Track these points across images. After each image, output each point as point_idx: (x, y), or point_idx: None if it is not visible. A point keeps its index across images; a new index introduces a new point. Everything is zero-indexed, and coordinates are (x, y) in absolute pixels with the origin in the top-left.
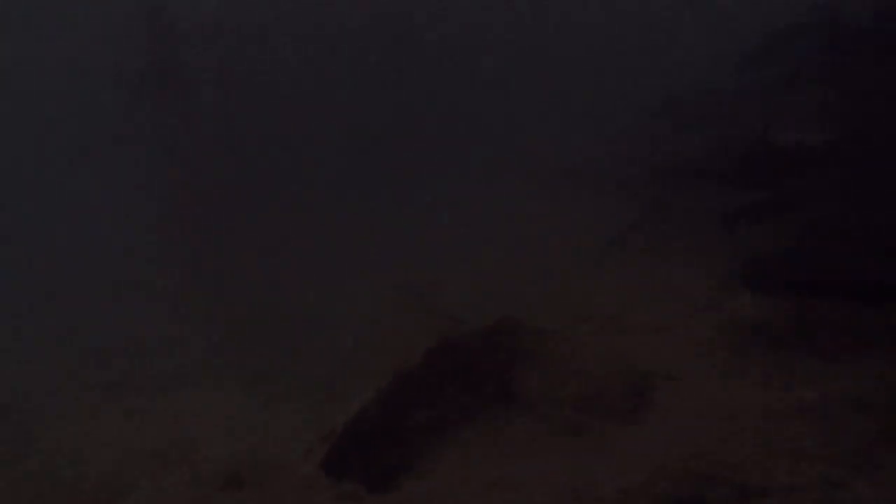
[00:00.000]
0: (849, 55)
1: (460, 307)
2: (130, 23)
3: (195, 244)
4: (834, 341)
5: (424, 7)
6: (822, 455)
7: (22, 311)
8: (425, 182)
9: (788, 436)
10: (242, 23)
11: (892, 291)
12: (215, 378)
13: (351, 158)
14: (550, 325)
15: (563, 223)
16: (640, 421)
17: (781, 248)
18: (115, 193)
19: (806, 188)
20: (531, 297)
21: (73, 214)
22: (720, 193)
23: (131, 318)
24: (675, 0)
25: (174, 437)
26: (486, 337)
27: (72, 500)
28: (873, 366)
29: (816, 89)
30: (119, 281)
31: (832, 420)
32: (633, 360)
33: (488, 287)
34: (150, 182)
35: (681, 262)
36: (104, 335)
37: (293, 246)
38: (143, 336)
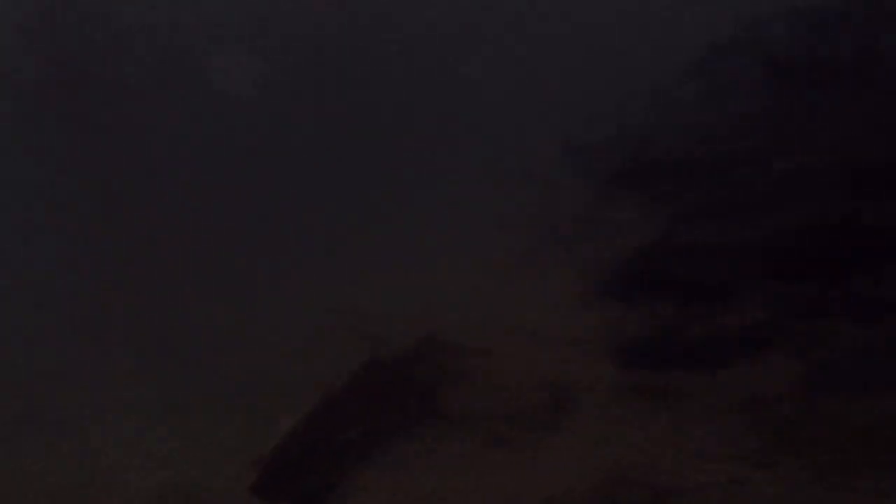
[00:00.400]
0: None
1: (388, 326)
2: (30, 27)
3: (111, 266)
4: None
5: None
6: (726, 455)
7: None
8: (357, 198)
9: (695, 439)
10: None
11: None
12: (140, 407)
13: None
14: (475, 340)
15: (488, 238)
16: (560, 430)
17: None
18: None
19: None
20: (457, 313)
21: None
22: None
23: (46, 346)
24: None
25: (99, 470)
26: (412, 355)
27: None
28: (762, 371)
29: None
30: (30, 306)
31: (733, 423)
32: (553, 373)
33: (416, 304)
34: (55, 201)
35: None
36: (17, 366)
37: (217, 265)
38: (61, 366)
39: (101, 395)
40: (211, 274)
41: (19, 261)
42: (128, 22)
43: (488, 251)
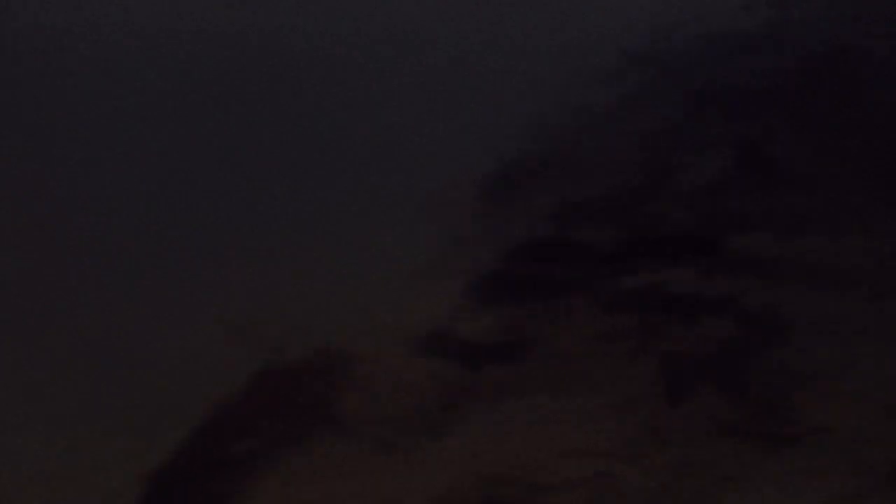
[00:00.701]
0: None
1: (279, 334)
2: None
3: None
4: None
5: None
6: (600, 451)
7: None
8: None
9: (573, 437)
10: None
11: None
12: (22, 423)
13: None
14: (367, 347)
15: (393, 242)
16: (453, 434)
17: None
18: None
19: None
20: (353, 319)
21: None
22: None
23: None
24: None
25: None
26: (305, 364)
27: None
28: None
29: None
30: None
31: (612, 420)
32: (447, 379)
33: (313, 311)
34: None
35: None
36: None
37: (104, 268)
38: None
39: None
40: (97, 277)
41: None
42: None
43: (382, 258)
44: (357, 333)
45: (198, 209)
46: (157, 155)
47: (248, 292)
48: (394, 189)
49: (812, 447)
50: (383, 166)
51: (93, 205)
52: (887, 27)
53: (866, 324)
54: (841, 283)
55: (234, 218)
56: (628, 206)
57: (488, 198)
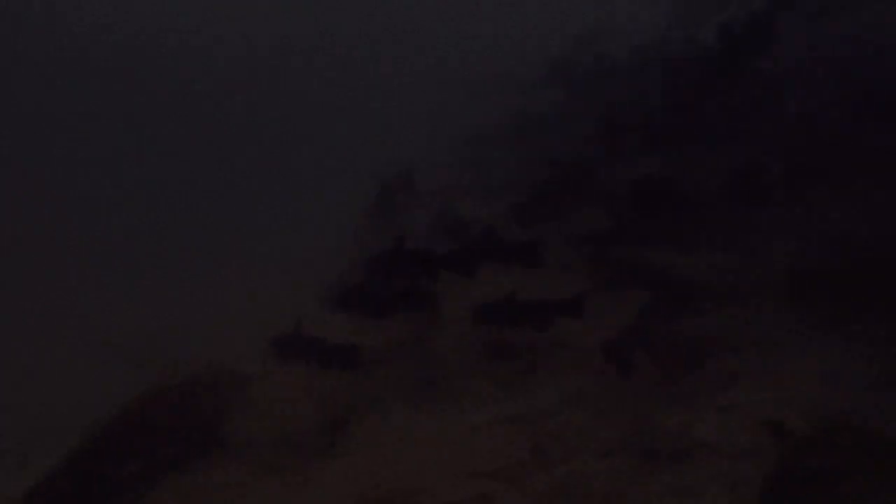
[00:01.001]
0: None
1: (172, 353)
2: None
3: None
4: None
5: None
6: (483, 472)
7: None
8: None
9: (458, 458)
10: None
11: None
12: None
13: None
14: (256, 365)
15: (271, 260)
16: (337, 454)
17: None
18: None
19: None
20: (237, 338)
21: None
22: None
23: None
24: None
25: None
26: (193, 384)
27: None
28: (523, 387)
29: None
30: None
31: (496, 439)
32: (333, 396)
33: (202, 330)
34: None
35: None
36: None
37: None
38: None
39: None
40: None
41: None
42: None
43: (272, 272)
44: (249, 351)
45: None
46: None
47: (136, 312)
48: (289, 208)
49: (690, 464)
50: (286, 183)
51: None
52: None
53: (742, 341)
54: (719, 299)
55: (117, 237)
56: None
57: (374, 212)
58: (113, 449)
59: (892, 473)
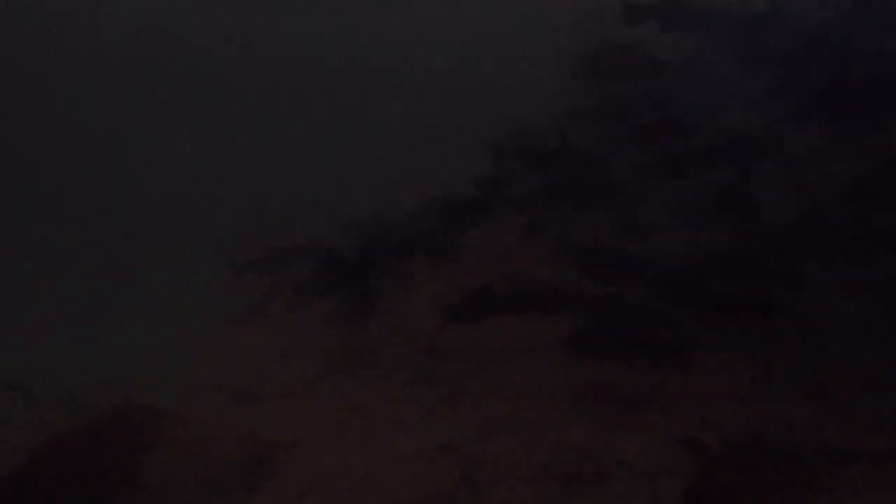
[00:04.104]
0: None
1: (82, 391)
2: None
3: None
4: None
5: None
6: (412, 501)
7: None
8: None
9: (385, 489)
10: None
11: None
12: None
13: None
14: (175, 402)
15: (190, 293)
16: (261, 493)
17: None
18: None
19: None
20: (156, 374)
21: None
22: None
23: None
24: None
25: None
26: (108, 424)
27: None
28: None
29: None
30: None
31: (421, 468)
32: (257, 432)
33: (111, 366)
34: None
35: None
36: None
37: None
38: None
39: None
40: None
41: None
42: None
43: (190, 308)
44: (168, 387)
45: None
46: None
47: (44, 344)
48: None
49: (613, 483)
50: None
51: None
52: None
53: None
54: None
55: (28, 261)
56: None
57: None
58: (28, 489)
59: (799, 488)
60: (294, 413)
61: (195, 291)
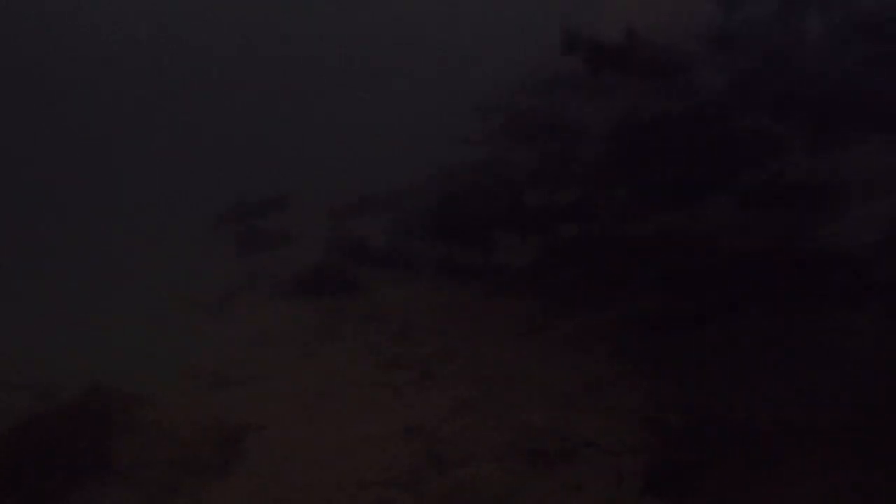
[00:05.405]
0: None
1: (53, 376)
2: None
3: None
4: None
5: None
6: (380, 480)
7: None
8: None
9: (354, 470)
10: None
11: None
12: None
13: None
14: (145, 386)
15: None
16: (231, 474)
17: None
18: None
19: None
20: (124, 358)
21: None
22: None
23: None
24: None
25: None
26: (78, 408)
27: None
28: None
29: None
30: None
31: (390, 449)
32: (228, 415)
33: (80, 351)
34: None
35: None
36: None
37: None
38: None
39: None
40: None
41: None
42: None
43: (165, 295)
44: (137, 371)
45: None
46: None
47: (12, 328)
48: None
49: (579, 461)
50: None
51: None
52: None
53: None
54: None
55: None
56: None
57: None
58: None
59: (755, 463)
60: (264, 397)
61: (169, 279)
